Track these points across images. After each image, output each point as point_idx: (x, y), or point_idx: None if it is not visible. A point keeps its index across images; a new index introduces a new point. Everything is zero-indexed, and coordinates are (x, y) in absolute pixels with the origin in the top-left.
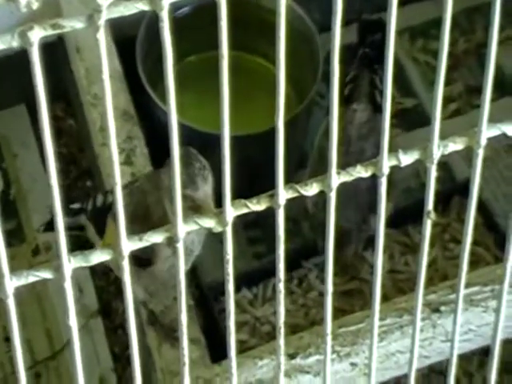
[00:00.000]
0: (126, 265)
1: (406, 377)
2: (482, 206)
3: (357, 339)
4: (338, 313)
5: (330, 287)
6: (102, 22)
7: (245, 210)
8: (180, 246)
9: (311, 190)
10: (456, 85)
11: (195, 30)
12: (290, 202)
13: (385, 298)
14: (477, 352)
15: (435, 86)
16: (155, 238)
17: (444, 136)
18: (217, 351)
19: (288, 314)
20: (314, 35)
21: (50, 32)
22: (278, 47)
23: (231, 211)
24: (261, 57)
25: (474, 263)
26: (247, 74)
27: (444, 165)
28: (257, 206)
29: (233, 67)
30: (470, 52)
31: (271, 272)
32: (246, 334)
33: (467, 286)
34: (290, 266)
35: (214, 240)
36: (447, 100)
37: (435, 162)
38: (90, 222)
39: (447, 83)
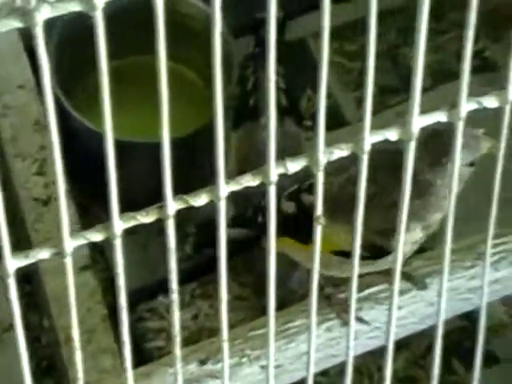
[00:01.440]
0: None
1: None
2: None
3: (267, 342)
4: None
5: (224, 295)
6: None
7: (134, 223)
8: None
9: (200, 200)
10: None
11: (116, 36)
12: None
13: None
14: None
15: (318, 95)
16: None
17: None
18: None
19: (206, 318)
20: (228, 40)
21: None
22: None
23: (120, 224)
24: (176, 62)
25: None
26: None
27: None
28: (146, 218)
29: (149, 73)
30: (384, 54)
31: (190, 277)
32: (163, 341)
33: (371, 285)
34: (210, 268)
35: (131, 247)
36: (361, 101)
37: (321, 168)
38: None
39: (361, 85)
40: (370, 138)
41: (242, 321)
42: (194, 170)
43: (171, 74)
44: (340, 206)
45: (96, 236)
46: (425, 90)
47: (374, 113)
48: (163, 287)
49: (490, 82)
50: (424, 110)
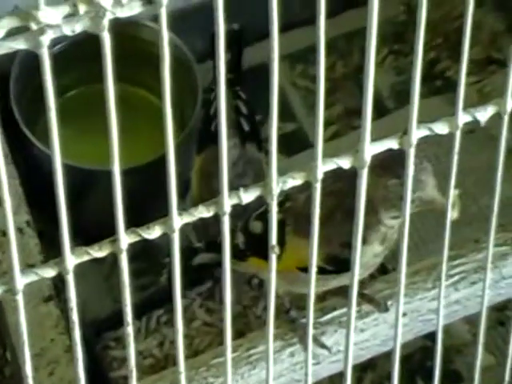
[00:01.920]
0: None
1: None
2: None
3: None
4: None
5: (179, 326)
6: None
7: (86, 258)
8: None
9: (154, 233)
10: (335, 108)
11: (74, 65)
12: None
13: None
14: (354, 369)
15: (269, 129)
16: None
17: (325, 157)
18: None
19: (172, 345)
20: (192, 64)
21: None
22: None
23: (72, 259)
24: (143, 88)
25: None
26: (130, 106)
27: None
28: (99, 252)
29: (115, 100)
30: (349, 75)
31: (155, 304)
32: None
33: (335, 308)
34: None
35: (97, 276)
36: (327, 123)
37: (275, 198)
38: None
39: (326, 107)
40: (323, 167)
41: (208, 346)
42: (159, 197)
43: (138, 100)
44: (305, 222)
45: (48, 272)
46: (388, 111)
47: (341, 134)
48: None
49: (452, 101)
50: (387, 133)
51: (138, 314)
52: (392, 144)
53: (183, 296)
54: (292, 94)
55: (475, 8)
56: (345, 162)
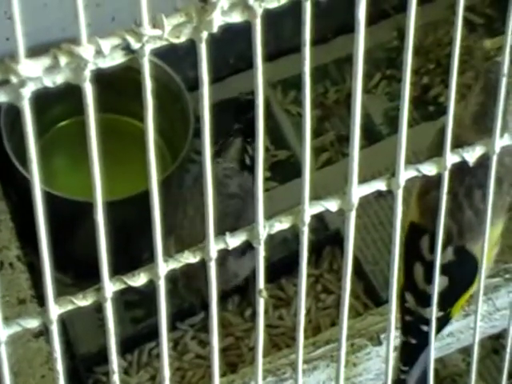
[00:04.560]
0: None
1: None
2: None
3: None
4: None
5: (166, 374)
6: None
7: (71, 307)
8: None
9: (139, 280)
10: (328, 134)
11: (66, 95)
12: None
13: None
14: None
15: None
16: None
17: (317, 184)
18: None
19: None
20: (183, 93)
21: None
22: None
23: (56, 309)
24: (134, 118)
25: None
26: (122, 137)
27: (317, 215)
28: (83, 301)
29: (106, 130)
30: (341, 102)
31: (147, 337)
32: None
33: (328, 342)
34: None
35: (89, 308)
36: (319, 150)
37: (262, 242)
38: None
39: (319, 133)
40: (310, 210)
41: (201, 379)
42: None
43: (132, 130)
44: None
45: (32, 323)
46: (381, 137)
47: (333, 161)
48: (121, 348)
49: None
50: (380, 159)
51: (130, 347)
52: (380, 186)
53: (175, 328)
54: (285, 121)
55: (467, 34)
56: (332, 205)
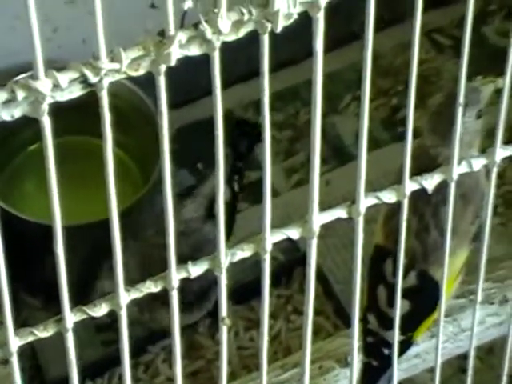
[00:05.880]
0: None
1: None
2: (320, 275)
3: None
4: None
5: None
6: None
7: (31, 338)
8: None
9: (101, 310)
10: (299, 155)
11: (35, 119)
12: None
13: (232, 375)
14: None
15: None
16: None
17: (289, 205)
18: None
19: None
20: (154, 115)
21: None
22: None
23: (16, 341)
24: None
25: (315, 333)
26: (94, 159)
27: None
28: (44, 332)
29: (80, 152)
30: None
31: (117, 361)
32: None
33: (296, 365)
34: (137, 352)
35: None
36: (290, 171)
37: (224, 270)
38: None
39: (290, 154)
40: (272, 238)
41: None
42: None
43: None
44: None
45: None
46: (351, 158)
47: (303, 183)
48: (92, 371)
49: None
50: (352, 179)
51: (100, 370)
52: (341, 213)
53: (146, 351)
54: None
55: (436, 55)
56: (293, 233)
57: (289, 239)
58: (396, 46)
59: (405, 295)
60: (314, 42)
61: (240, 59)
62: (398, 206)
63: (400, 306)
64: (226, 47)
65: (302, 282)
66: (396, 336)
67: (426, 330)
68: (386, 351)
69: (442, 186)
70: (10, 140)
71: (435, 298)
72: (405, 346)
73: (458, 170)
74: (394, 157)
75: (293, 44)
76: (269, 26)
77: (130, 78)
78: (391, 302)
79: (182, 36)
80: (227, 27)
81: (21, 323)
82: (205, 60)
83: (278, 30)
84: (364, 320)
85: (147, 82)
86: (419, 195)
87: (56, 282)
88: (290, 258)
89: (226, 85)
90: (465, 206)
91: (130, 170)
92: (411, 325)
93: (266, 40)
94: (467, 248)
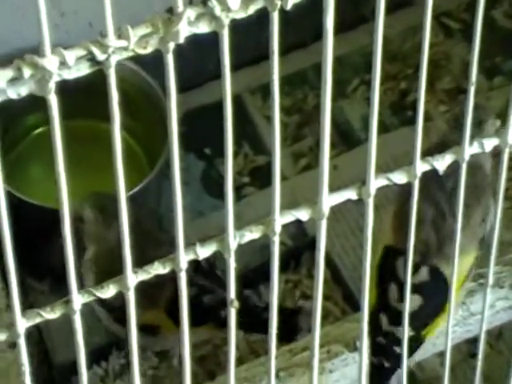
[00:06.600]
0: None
1: None
2: (329, 261)
3: None
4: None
5: (137, 378)
6: None
7: (39, 320)
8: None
9: (108, 292)
10: (307, 140)
11: (40, 103)
12: None
13: (240, 360)
14: None
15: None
16: None
17: (296, 190)
18: None
19: None
20: (161, 100)
21: None
22: None
23: (23, 323)
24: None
25: (323, 318)
26: (101, 143)
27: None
28: (51, 314)
29: (85, 136)
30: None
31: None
32: None
33: (304, 349)
34: None
35: (67, 317)
36: (298, 155)
37: (232, 253)
38: None
39: (298, 139)
40: (281, 219)
41: None
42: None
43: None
44: None
45: None
46: (360, 142)
47: (312, 167)
48: (97, 356)
49: (424, 131)
50: (359, 165)
51: (106, 354)
52: (351, 195)
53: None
54: (264, 127)
55: (445, 39)
56: (303, 214)
57: (298, 223)
58: (404, 30)
59: (416, 290)
60: (324, 19)
61: (248, 44)
62: (407, 202)
63: (412, 301)
64: (235, 31)
65: (310, 267)
66: (406, 331)
67: (436, 330)
68: (397, 350)
69: (455, 170)
70: (15, 125)
71: (444, 295)
72: (416, 343)
73: (469, 150)
74: (403, 141)
75: (300, 27)
76: (278, 3)
77: (138, 61)
78: (403, 298)
79: (191, 13)
80: (236, 4)
81: (27, 307)
82: (212, 44)
83: (288, 7)
84: (374, 321)
85: (155, 68)
86: (431, 184)
87: (63, 266)
88: (299, 244)
89: (233, 69)
90: (476, 200)
91: (136, 155)
92: (423, 320)
93: (275, 18)
94: (475, 249)
